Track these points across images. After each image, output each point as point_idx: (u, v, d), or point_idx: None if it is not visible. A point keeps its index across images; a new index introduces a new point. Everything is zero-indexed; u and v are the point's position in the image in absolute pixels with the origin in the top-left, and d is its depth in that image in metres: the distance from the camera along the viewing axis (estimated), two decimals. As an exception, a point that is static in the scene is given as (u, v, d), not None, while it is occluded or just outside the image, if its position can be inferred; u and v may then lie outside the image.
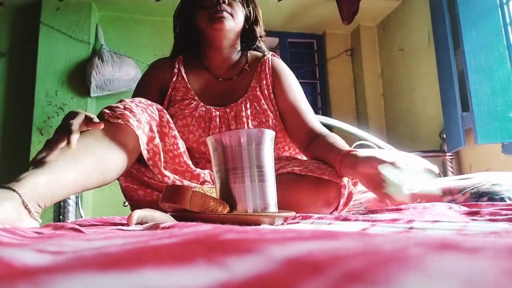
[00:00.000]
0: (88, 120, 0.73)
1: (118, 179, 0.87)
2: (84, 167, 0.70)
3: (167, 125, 0.87)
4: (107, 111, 0.78)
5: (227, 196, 0.62)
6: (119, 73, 2.48)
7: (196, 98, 1.05)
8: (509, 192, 0.99)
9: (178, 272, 0.17)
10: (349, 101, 3.17)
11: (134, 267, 0.18)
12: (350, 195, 0.83)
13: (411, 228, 0.48)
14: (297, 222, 0.64)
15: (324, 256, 0.18)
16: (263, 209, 0.61)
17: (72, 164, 0.68)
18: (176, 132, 0.89)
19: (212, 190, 0.71)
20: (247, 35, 1.15)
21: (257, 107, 1.04)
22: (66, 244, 0.27)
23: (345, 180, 0.82)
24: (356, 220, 0.61)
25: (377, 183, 0.79)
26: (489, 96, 1.94)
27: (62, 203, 1.47)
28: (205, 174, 0.91)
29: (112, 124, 0.77)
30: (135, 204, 0.92)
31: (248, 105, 1.04)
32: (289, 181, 0.84)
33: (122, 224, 0.70)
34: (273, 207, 0.63)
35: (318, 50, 3.27)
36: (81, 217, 1.64)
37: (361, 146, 2.10)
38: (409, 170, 0.76)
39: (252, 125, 1.01)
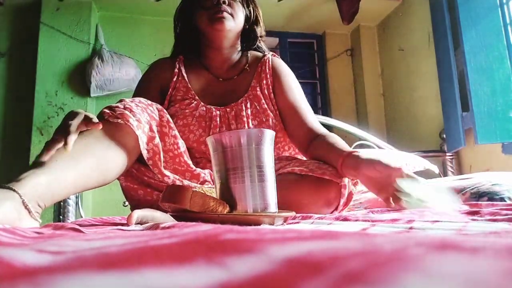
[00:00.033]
0: (87, 120, 0.73)
1: (118, 178, 0.87)
2: (84, 167, 0.70)
3: (167, 125, 0.87)
4: (107, 111, 0.78)
5: (227, 196, 0.62)
6: (119, 73, 2.48)
7: (197, 97, 1.05)
8: (509, 192, 0.99)
9: (178, 272, 0.17)
10: (349, 101, 3.17)
11: (134, 267, 0.18)
12: (350, 195, 0.84)
13: (411, 228, 0.48)
14: (297, 222, 0.64)
15: (324, 256, 0.18)
16: (263, 209, 0.61)
17: (72, 164, 0.68)
18: (176, 132, 0.89)
19: (212, 190, 0.71)
20: (248, 35, 1.15)
21: (257, 107, 1.04)
22: (66, 244, 0.27)
23: (346, 180, 0.82)
24: (356, 220, 0.61)
25: (380, 186, 0.80)
26: (489, 96, 1.94)
27: (62, 203, 1.47)
28: (205, 174, 0.91)
29: (112, 124, 0.77)
30: (135, 204, 0.92)
31: (248, 105, 1.04)
32: (289, 181, 0.84)
33: (122, 224, 0.70)
34: (273, 207, 0.63)
35: (318, 50, 3.27)
36: (81, 217, 1.64)
37: (361, 146, 2.10)
38: (430, 186, 0.76)
39: (252, 124, 1.02)
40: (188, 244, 0.22)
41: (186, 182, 0.87)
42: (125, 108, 0.79)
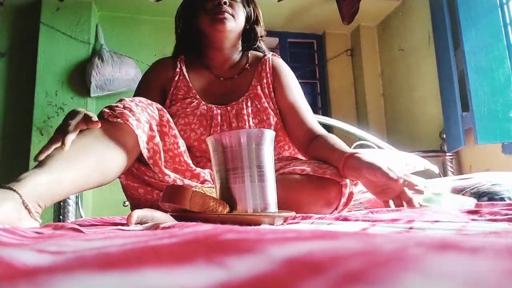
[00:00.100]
0: (87, 119, 0.73)
1: (119, 177, 0.87)
2: (84, 166, 0.70)
3: (167, 125, 0.88)
4: (106, 110, 0.79)
5: (227, 196, 0.62)
6: (119, 73, 2.48)
7: (198, 96, 1.06)
8: (509, 192, 0.99)
9: (178, 272, 0.17)
10: (349, 101, 3.17)
11: (134, 267, 0.18)
12: (350, 195, 0.84)
13: (411, 228, 0.48)
14: (297, 222, 0.64)
15: (324, 256, 0.18)
16: (263, 209, 0.61)
17: (72, 164, 0.68)
18: (176, 131, 0.89)
19: (212, 190, 0.71)
20: (248, 35, 1.15)
21: (258, 105, 1.05)
22: (66, 244, 0.27)
23: (347, 180, 0.82)
24: (356, 220, 0.61)
25: (380, 189, 0.82)
26: (489, 96, 1.94)
27: (62, 203, 1.47)
28: (205, 173, 0.91)
29: (112, 123, 0.77)
30: (136, 203, 0.92)
31: (249, 103, 1.04)
32: (289, 181, 0.84)
33: (122, 224, 0.70)
34: (273, 207, 0.63)
35: (318, 50, 3.27)
36: (81, 217, 1.64)
37: (361, 146, 2.10)
38: (450, 196, 0.77)
39: (253, 123, 1.02)
40: (188, 244, 0.22)
41: (186, 181, 0.87)
42: (124, 107, 0.79)
